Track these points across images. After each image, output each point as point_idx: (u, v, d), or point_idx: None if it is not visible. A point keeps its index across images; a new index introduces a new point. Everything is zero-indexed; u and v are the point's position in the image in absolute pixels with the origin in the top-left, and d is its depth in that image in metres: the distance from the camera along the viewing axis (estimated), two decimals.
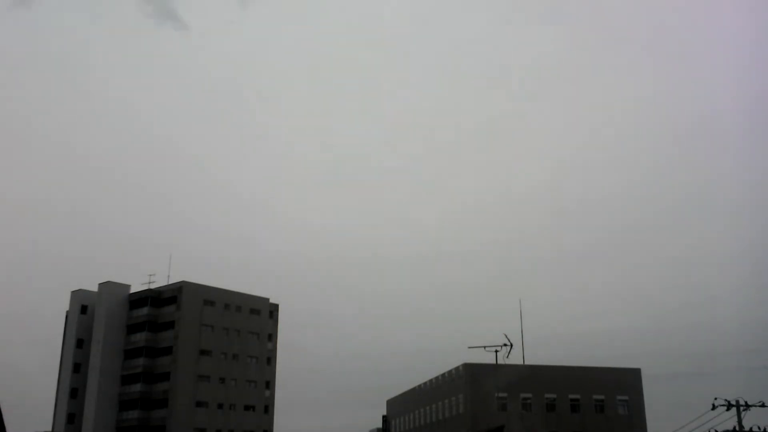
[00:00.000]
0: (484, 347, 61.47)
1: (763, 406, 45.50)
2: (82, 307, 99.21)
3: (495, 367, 63.97)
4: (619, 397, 77.46)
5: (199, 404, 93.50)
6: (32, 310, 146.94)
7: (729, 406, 44.09)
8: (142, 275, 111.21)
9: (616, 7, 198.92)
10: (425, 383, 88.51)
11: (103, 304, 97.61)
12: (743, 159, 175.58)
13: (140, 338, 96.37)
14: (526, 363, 76.43)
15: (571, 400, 76.45)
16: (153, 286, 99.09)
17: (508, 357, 61.31)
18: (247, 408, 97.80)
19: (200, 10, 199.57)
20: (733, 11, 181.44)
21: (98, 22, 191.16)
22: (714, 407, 43.80)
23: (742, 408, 44.16)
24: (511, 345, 60.67)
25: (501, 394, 72.69)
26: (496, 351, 60.92)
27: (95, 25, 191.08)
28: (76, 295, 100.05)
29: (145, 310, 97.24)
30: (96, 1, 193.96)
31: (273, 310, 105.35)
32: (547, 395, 76.02)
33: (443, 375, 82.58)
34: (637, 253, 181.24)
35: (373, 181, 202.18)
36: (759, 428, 44.53)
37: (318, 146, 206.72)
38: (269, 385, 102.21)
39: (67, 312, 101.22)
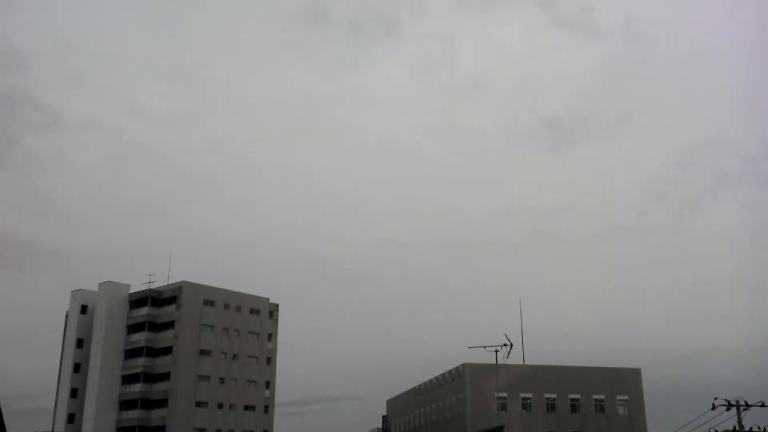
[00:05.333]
0: (484, 347, 61.65)
1: (763, 406, 45.56)
2: (82, 307, 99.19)
3: (495, 367, 64.02)
4: (619, 397, 77.56)
5: (199, 404, 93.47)
6: (32, 310, 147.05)
7: (729, 406, 44.14)
8: (142, 275, 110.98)
9: None
10: (425, 383, 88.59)
11: (103, 304, 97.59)
12: (746, 159, 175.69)
13: (140, 338, 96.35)
14: (526, 363, 76.56)
15: (571, 400, 76.54)
16: (153, 286, 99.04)
17: (508, 357, 61.49)
18: (247, 408, 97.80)
19: None
20: None
21: None
22: (714, 407, 43.87)
23: (742, 408, 44.20)
24: (511, 345, 60.85)
25: (501, 394, 72.74)
26: (496, 351, 61.06)
27: None
28: (76, 295, 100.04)
29: (145, 310, 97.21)
30: None
31: (273, 310, 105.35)
32: (547, 395, 76.09)
33: (443, 375, 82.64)
34: (638, 252, 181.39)
35: (372, 179, 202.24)
36: (759, 428, 44.60)
37: (317, 145, 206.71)
38: (269, 385, 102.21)
39: (67, 312, 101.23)
